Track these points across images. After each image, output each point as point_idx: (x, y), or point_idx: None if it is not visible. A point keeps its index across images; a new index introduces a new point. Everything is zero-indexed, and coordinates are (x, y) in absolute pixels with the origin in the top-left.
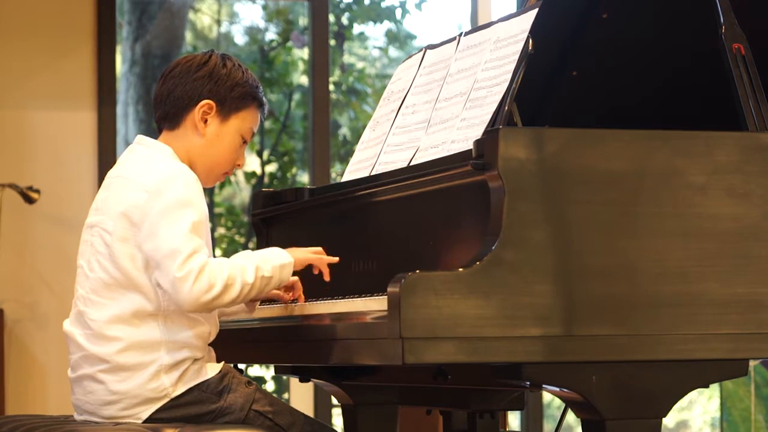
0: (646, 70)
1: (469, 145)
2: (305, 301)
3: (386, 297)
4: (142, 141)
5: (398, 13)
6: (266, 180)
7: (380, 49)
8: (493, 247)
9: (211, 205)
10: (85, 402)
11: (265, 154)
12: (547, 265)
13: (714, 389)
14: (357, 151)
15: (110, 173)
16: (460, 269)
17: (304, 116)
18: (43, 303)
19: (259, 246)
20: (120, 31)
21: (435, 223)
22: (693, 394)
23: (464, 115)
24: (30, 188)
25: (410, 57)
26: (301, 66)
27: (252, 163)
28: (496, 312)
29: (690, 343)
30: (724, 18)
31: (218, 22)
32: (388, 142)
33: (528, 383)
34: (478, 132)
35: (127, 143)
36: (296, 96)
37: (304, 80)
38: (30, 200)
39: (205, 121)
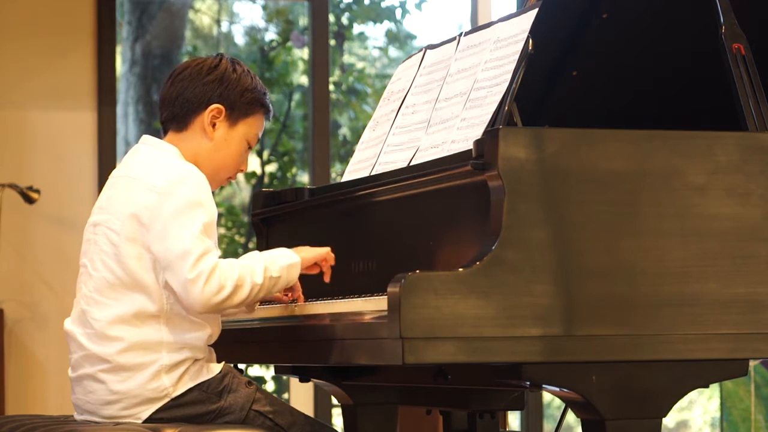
0: (646, 70)
1: (469, 145)
2: (305, 301)
3: (386, 297)
4: (148, 141)
5: (398, 13)
6: (266, 180)
7: (380, 49)
8: (493, 247)
9: None
10: (86, 401)
11: (265, 154)
12: (547, 265)
13: (714, 389)
14: (357, 151)
15: (115, 173)
16: (460, 269)
17: (304, 116)
18: (43, 303)
19: (259, 246)
20: (120, 31)
21: (435, 223)
22: (693, 394)
23: (464, 115)
24: (30, 188)
25: (410, 57)
26: (301, 66)
27: (252, 163)
28: (496, 312)
29: (690, 343)
30: (724, 18)
31: (218, 22)
32: (388, 142)
33: (528, 383)
34: (478, 132)
35: (127, 143)
36: (296, 96)
37: (304, 80)
38: (30, 200)
39: (214, 125)
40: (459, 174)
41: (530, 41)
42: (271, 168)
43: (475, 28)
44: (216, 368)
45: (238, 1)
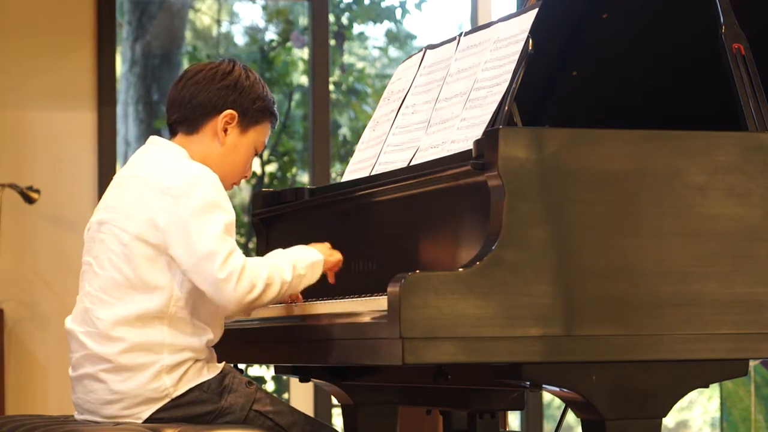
0: (646, 70)
1: (469, 145)
2: (305, 301)
3: (386, 297)
4: (157, 142)
5: (398, 13)
6: (266, 180)
7: (380, 49)
8: (493, 247)
9: None
10: (86, 401)
11: (265, 154)
12: (547, 265)
13: (714, 389)
14: (357, 151)
15: (122, 173)
16: (460, 269)
17: (304, 116)
18: (43, 303)
19: (259, 246)
20: (120, 31)
21: (435, 223)
22: (693, 394)
23: (464, 115)
24: (30, 188)
25: (410, 57)
26: (301, 66)
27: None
28: (496, 312)
29: (690, 343)
30: (724, 18)
31: (218, 22)
32: (388, 142)
33: (528, 383)
34: (478, 132)
35: (127, 143)
36: (296, 96)
37: (304, 80)
38: (30, 200)
39: (226, 131)
40: (459, 174)
41: (530, 41)
42: (271, 168)
43: (475, 28)
44: (216, 368)
45: (238, 1)
